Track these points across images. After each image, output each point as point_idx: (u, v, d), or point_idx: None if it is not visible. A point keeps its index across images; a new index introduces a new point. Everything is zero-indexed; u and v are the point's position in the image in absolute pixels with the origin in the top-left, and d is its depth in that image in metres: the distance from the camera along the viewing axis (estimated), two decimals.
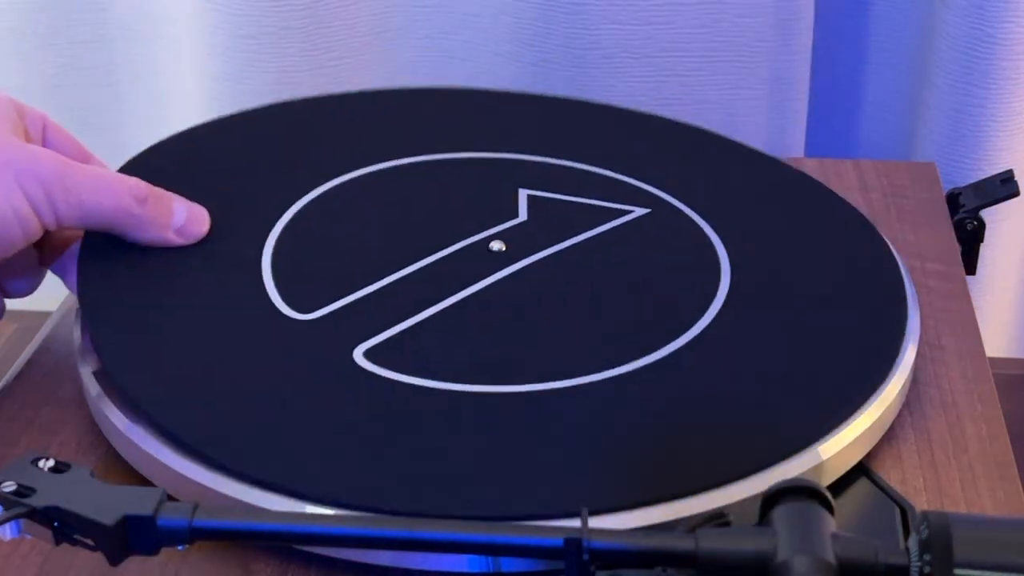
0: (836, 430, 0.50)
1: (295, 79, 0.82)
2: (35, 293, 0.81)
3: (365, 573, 0.47)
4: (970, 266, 0.70)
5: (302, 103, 0.70)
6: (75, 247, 0.58)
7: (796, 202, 0.64)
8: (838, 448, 0.50)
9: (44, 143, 0.58)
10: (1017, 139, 0.80)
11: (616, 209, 0.62)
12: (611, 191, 0.64)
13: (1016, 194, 0.71)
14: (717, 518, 0.41)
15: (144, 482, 0.50)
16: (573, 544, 0.38)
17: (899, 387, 0.53)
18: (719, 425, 0.50)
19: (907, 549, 0.38)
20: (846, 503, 0.50)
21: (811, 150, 0.87)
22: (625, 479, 0.47)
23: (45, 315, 0.63)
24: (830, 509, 0.39)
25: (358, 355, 0.53)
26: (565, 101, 0.73)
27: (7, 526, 0.39)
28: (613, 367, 0.52)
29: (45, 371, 0.58)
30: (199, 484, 0.48)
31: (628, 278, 0.58)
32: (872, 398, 0.52)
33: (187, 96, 0.85)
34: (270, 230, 0.60)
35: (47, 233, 0.55)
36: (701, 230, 0.61)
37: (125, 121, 0.88)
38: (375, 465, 0.48)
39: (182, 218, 0.58)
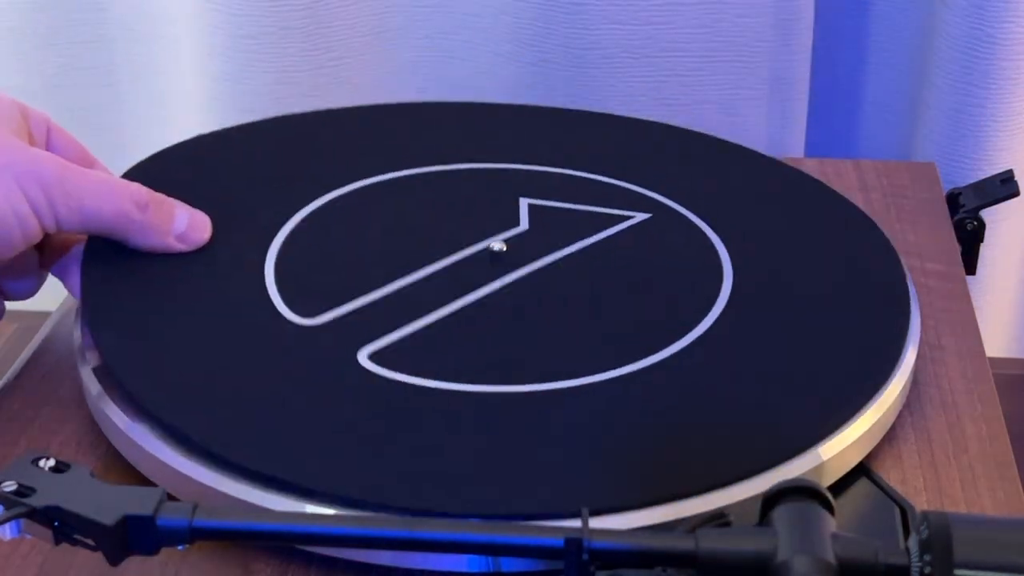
0: (836, 431, 0.50)
1: (295, 79, 0.82)
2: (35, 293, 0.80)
3: (365, 573, 0.47)
4: (970, 266, 0.70)
5: (304, 116, 0.70)
6: (77, 250, 0.58)
7: (797, 202, 0.65)
8: (838, 448, 0.50)
9: (47, 146, 0.58)
10: (1017, 139, 0.80)
11: (617, 215, 0.62)
12: (611, 198, 0.64)
13: (1016, 194, 0.71)
14: (717, 518, 0.41)
15: (144, 482, 0.50)
16: (573, 544, 0.38)
17: (899, 387, 0.53)
18: (720, 425, 0.50)
19: (907, 549, 0.38)
20: (846, 503, 0.50)
21: (811, 150, 0.87)
22: (625, 479, 0.47)
23: (45, 315, 0.63)
24: (830, 509, 0.39)
25: (362, 357, 0.53)
26: (563, 111, 0.73)
27: (7, 526, 0.39)
28: (614, 368, 0.53)
29: (45, 371, 0.58)
30: (199, 483, 0.48)
31: (629, 281, 0.58)
32: (873, 398, 0.52)
33: (187, 96, 0.85)
34: (273, 237, 0.60)
35: (48, 235, 0.55)
36: (702, 233, 0.61)
37: (125, 121, 0.89)
38: (376, 463, 0.48)
39: (183, 224, 0.58)
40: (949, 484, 0.51)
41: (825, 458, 0.49)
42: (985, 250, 0.71)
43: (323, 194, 0.63)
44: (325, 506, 0.46)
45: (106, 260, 0.58)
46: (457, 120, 0.71)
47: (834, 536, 0.38)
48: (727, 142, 0.70)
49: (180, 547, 0.39)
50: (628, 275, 0.59)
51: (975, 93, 0.79)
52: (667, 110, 0.82)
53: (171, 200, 0.58)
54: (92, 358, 0.54)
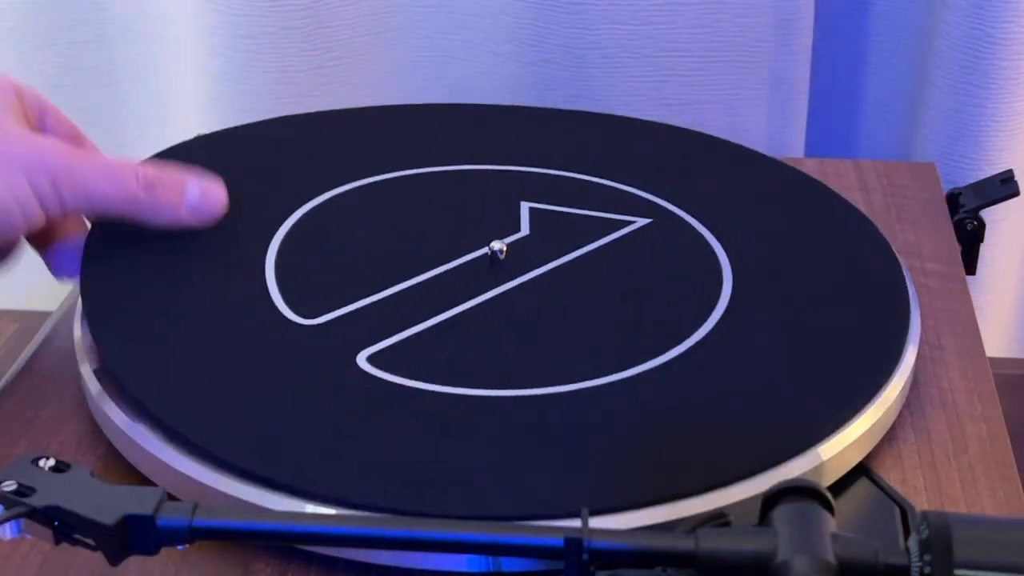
0: (836, 431, 0.50)
1: (295, 79, 0.82)
2: (35, 293, 0.81)
3: (365, 573, 0.47)
4: (970, 266, 0.70)
5: (305, 117, 0.70)
6: (73, 240, 0.58)
7: (797, 203, 0.65)
8: (838, 448, 0.50)
9: (41, 124, 0.57)
10: (1017, 139, 0.80)
11: (618, 220, 0.62)
12: (613, 202, 0.64)
13: (1016, 194, 0.71)
14: (717, 518, 0.41)
15: (144, 481, 0.50)
16: (573, 544, 0.38)
17: (899, 387, 0.53)
18: (720, 425, 0.50)
19: (907, 549, 0.38)
20: (846, 503, 0.50)
21: (811, 150, 0.87)
22: (625, 479, 0.47)
23: (45, 315, 0.63)
24: (830, 509, 0.39)
25: (361, 359, 0.53)
26: (563, 112, 0.73)
27: (7, 526, 0.39)
28: (614, 370, 0.53)
29: (45, 371, 0.58)
30: (199, 483, 0.48)
31: (630, 285, 0.58)
32: (873, 398, 0.52)
33: (187, 96, 0.85)
34: (274, 237, 0.60)
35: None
36: (702, 237, 0.61)
37: (125, 121, 0.89)
38: (375, 464, 0.48)
39: (195, 197, 0.57)
40: (949, 484, 0.51)
41: (825, 458, 0.49)
42: (985, 250, 0.71)
43: (323, 194, 0.63)
44: (325, 508, 0.46)
45: (106, 260, 0.58)
46: (458, 122, 0.71)
47: (834, 536, 0.38)
48: (727, 142, 0.70)
49: (180, 547, 0.39)
50: (629, 280, 0.59)
51: (975, 93, 0.79)
52: (667, 110, 0.82)
53: (181, 174, 0.57)
54: (92, 359, 0.54)
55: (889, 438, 0.53)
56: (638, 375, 0.52)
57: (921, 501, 0.50)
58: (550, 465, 0.48)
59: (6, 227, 0.53)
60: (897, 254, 0.60)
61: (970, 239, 0.70)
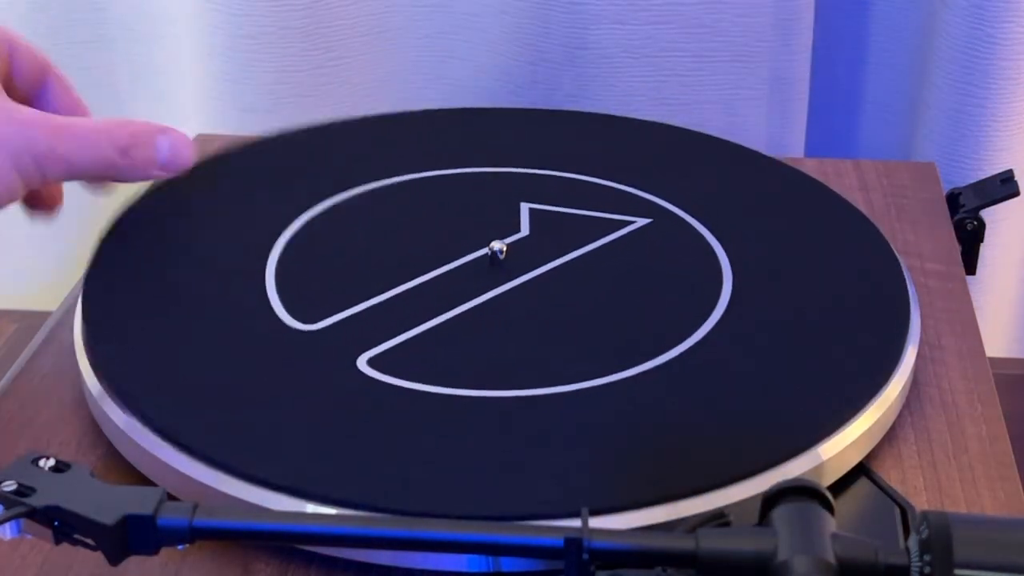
0: (836, 430, 0.50)
1: (295, 79, 0.82)
2: (35, 293, 0.81)
3: (365, 573, 0.47)
4: (970, 266, 0.70)
5: (303, 129, 0.71)
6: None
7: (797, 203, 0.65)
8: (838, 448, 0.50)
9: (10, 67, 0.58)
10: (1017, 139, 0.80)
11: (618, 220, 0.62)
12: (612, 202, 0.64)
13: (1016, 194, 0.71)
14: (717, 518, 0.41)
15: (144, 481, 0.50)
16: (573, 544, 0.38)
17: (899, 387, 0.53)
18: (720, 425, 0.50)
19: (907, 549, 0.38)
20: (846, 503, 0.50)
21: (811, 150, 0.87)
22: (625, 479, 0.47)
23: (45, 315, 0.63)
24: (830, 509, 0.39)
25: (361, 363, 0.53)
26: (562, 113, 0.73)
27: (7, 526, 0.39)
28: (614, 370, 0.53)
29: (45, 371, 0.58)
30: (199, 483, 0.48)
31: (630, 286, 0.58)
32: (873, 398, 0.52)
33: (187, 96, 0.85)
34: (274, 243, 0.60)
35: None
36: (702, 237, 0.61)
37: None
38: (375, 464, 0.48)
39: (165, 153, 0.58)
40: (949, 484, 0.51)
41: (825, 458, 0.49)
42: (985, 250, 0.71)
43: (322, 200, 0.63)
44: (325, 508, 0.46)
45: (107, 265, 0.58)
46: (456, 125, 0.71)
47: (834, 536, 0.38)
48: (727, 142, 0.70)
49: (180, 547, 0.39)
50: (628, 281, 0.59)
51: (975, 93, 0.79)
52: (667, 110, 0.82)
53: (151, 130, 0.58)
54: (92, 360, 0.54)
55: (889, 438, 0.53)
56: (638, 375, 0.52)
57: (921, 501, 0.50)
58: (550, 465, 0.48)
59: None
60: (897, 254, 0.60)
61: (970, 239, 0.70)
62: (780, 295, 0.57)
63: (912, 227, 0.67)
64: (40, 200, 0.60)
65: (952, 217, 0.69)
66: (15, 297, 0.86)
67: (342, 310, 0.56)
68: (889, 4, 0.84)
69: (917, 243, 0.66)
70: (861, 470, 0.51)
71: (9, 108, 0.54)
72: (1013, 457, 0.52)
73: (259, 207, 0.63)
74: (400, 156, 0.67)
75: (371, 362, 0.53)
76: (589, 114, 0.74)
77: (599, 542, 0.38)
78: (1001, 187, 0.72)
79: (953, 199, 0.71)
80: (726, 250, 0.60)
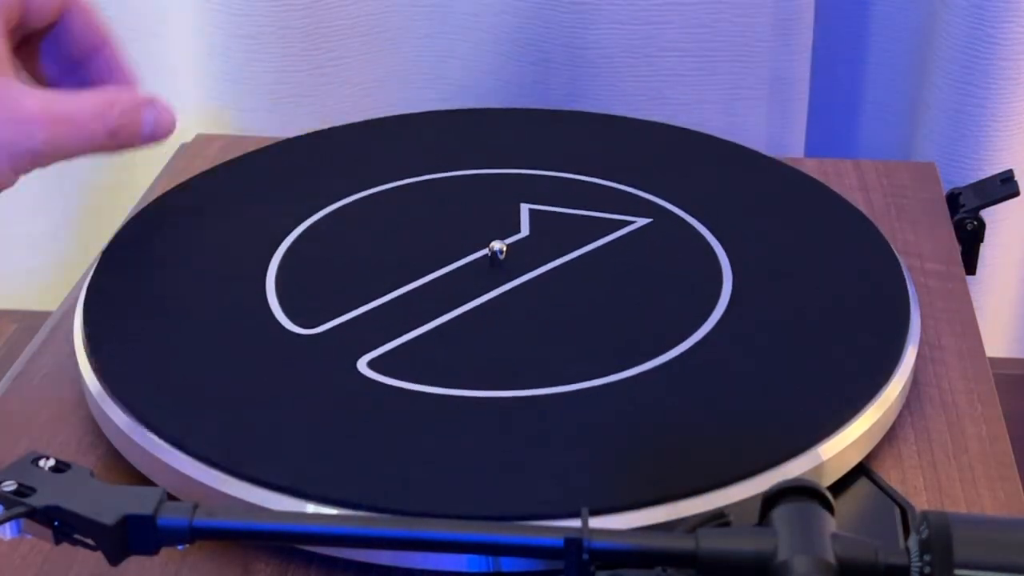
0: (836, 430, 0.50)
1: (295, 79, 0.82)
2: (35, 293, 0.81)
3: (365, 572, 0.47)
4: (970, 266, 0.70)
5: (301, 137, 0.71)
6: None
7: (797, 203, 0.65)
8: (838, 448, 0.50)
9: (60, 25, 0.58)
10: (1017, 139, 0.80)
11: (618, 220, 0.62)
12: (612, 202, 0.64)
13: (1016, 194, 0.71)
14: (717, 518, 0.41)
15: (144, 481, 0.50)
16: (573, 544, 0.38)
17: (899, 387, 0.53)
18: (720, 425, 0.50)
19: (907, 549, 0.38)
20: (846, 503, 0.50)
21: (811, 150, 0.87)
22: (625, 479, 0.47)
23: (45, 315, 0.63)
24: (830, 509, 0.39)
25: (362, 365, 0.53)
26: (562, 113, 0.73)
27: (7, 526, 0.39)
28: (614, 370, 0.53)
29: (45, 371, 0.58)
30: (199, 483, 0.48)
31: (630, 286, 0.58)
32: (873, 398, 0.52)
33: (187, 96, 0.85)
34: (275, 248, 0.60)
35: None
36: (702, 237, 0.61)
37: None
38: (375, 464, 0.48)
39: (150, 126, 0.58)
40: (949, 484, 0.51)
41: (825, 458, 0.49)
42: (985, 250, 0.71)
43: (324, 205, 0.64)
44: (325, 508, 0.46)
45: (108, 266, 0.58)
46: (456, 125, 0.71)
47: (834, 536, 0.38)
48: (727, 142, 0.70)
49: (180, 547, 0.39)
50: (629, 281, 0.59)
51: (975, 93, 0.79)
52: (667, 110, 0.82)
53: (137, 105, 0.57)
54: (93, 361, 0.54)
55: (889, 438, 0.53)
56: (638, 375, 0.52)
57: (921, 501, 0.50)
58: (550, 465, 0.48)
59: None
60: (897, 254, 0.60)
61: (970, 239, 0.70)
62: (780, 295, 0.57)
63: (912, 227, 0.67)
64: None
65: (952, 217, 0.69)
66: (15, 297, 0.86)
67: (342, 313, 0.56)
68: (889, 4, 0.84)
69: (917, 243, 0.66)
70: (861, 470, 0.51)
71: (11, 99, 0.54)
72: (1013, 457, 0.52)
73: (261, 211, 0.63)
74: (400, 158, 0.68)
75: (371, 364, 0.53)
76: (589, 114, 0.74)
77: (599, 542, 0.38)
78: (1001, 187, 0.72)
79: (953, 199, 0.71)
80: (726, 250, 0.60)
